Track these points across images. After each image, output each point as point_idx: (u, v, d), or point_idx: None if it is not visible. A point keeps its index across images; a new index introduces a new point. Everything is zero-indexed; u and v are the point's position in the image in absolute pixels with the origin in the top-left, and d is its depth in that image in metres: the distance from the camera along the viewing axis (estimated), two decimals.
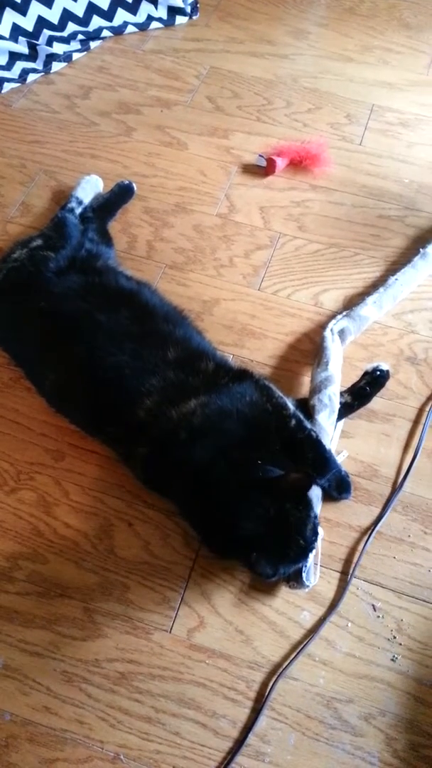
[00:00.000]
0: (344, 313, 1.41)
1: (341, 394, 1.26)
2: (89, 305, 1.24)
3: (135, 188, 1.64)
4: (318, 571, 1.11)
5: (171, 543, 1.18)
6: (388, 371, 1.30)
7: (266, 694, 1.04)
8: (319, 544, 1.11)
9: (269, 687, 1.05)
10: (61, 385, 1.24)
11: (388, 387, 1.35)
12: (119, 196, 1.62)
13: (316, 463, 1.15)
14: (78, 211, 1.52)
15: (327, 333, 1.35)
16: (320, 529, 1.12)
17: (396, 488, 1.24)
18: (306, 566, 1.07)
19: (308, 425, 1.16)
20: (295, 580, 1.08)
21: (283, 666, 1.07)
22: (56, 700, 1.04)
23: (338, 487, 1.19)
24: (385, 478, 1.25)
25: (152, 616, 1.11)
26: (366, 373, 1.30)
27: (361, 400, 1.29)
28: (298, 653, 1.08)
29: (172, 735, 1.02)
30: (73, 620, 1.11)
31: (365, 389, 1.28)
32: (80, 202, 1.54)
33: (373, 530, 1.19)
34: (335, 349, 1.32)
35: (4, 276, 1.34)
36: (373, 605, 1.13)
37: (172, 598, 1.13)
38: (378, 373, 1.29)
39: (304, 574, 1.07)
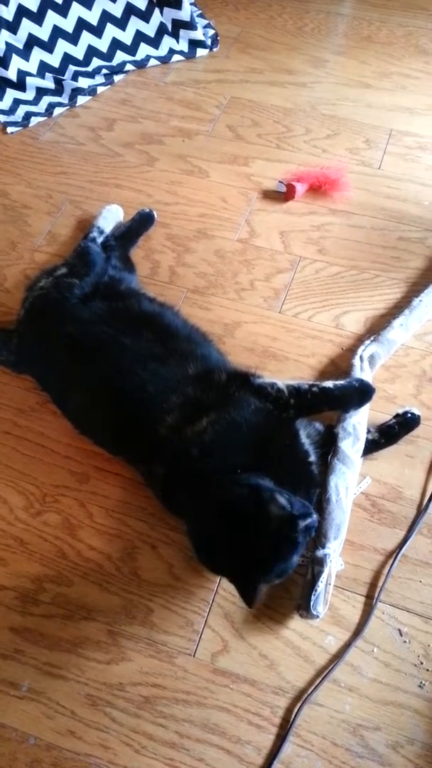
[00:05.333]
0: (372, 338, 1.40)
1: (368, 430, 1.26)
2: (114, 330, 1.26)
3: (156, 216, 1.67)
4: (328, 599, 1.08)
5: (194, 566, 1.18)
6: (419, 417, 1.30)
7: (291, 720, 1.03)
8: (333, 572, 1.10)
9: (294, 713, 1.04)
10: (86, 407, 1.26)
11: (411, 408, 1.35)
12: (140, 224, 1.65)
13: (335, 405, 1.21)
14: (99, 240, 1.55)
15: (356, 361, 1.34)
16: (334, 561, 1.10)
17: (421, 510, 1.22)
18: (315, 593, 1.06)
19: (306, 385, 1.18)
20: (305, 609, 1.06)
21: (308, 692, 1.05)
22: (80, 724, 1.04)
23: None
24: (409, 500, 1.24)
25: (176, 640, 1.11)
26: (397, 415, 1.30)
27: (388, 439, 1.28)
28: (323, 679, 1.06)
29: (197, 761, 1.01)
30: (97, 643, 1.11)
31: (393, 428, 1.28)
32: (101, 232, 1.58)
33: (398, 553, 1.17)
34: (365, 378, 1.31)
35: (30, 304, 1.38)
36: (399, 630, 1.11)
37: (196, 621, 1.13)
38: (409, 415, 1.29)
39: (311, 603, 1.05)
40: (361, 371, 1.33)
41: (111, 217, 1.64)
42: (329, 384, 1.20)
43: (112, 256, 1.51)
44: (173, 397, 1.16)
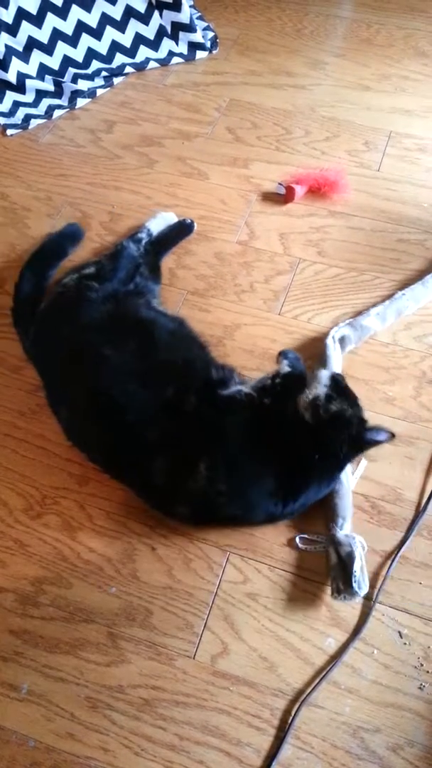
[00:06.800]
0: (347, 322, 1.45)
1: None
2: (104, 339, 1.23)
3: (195, 226, 1.66)
4: (366, 579, 1.10)
5: (194, 568, 1.18)
6: None
7: (289, 721, 1.03)
8: (363, 553, 1.12)
9: (292, 714, 1.04)
10: (73, 419, 1.25)
11: (410, 410, 1.35)
12: (178, 233, 1.64)
13: (300, 383, 1.20)
14: (145, 241, 1.54)
15: (329, 341, 1.39)
16: (363, 541, 1.14)
17: (420, 512, 1.23)
18: (355, 575, 1.07)
19: (269, 380, 1.19)
20: (346, 591, 1.08)
21: (306, 693, 1.05)
22: (80, 726, 1.04)
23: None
24: (408, 501, 1.24)
25: (176, 642, 1.11)
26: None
27: None
28: (321, 680, 1.06)
29: (197, 763, 1.01)
30: (97, 645, 1.11)
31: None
32: (150, 234, 1.57)
33: (396, 554, 1.17)
34: (336, 357, 1.37)
35: (51, 299, 1.37)
36: (399, 632, 1.11)
37: (196, 623, 1.13)
38: None
39: (355, 584, 1.07)
40: (334, 350, 1.38)
41: (164, 223, 1.63)
42: (285, 368, 1.22)
43: (143, 262, 1.48)
44: (154, 432, 1.13)
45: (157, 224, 1.62)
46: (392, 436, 1.15)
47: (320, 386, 1.17)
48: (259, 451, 1.11)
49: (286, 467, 1.11)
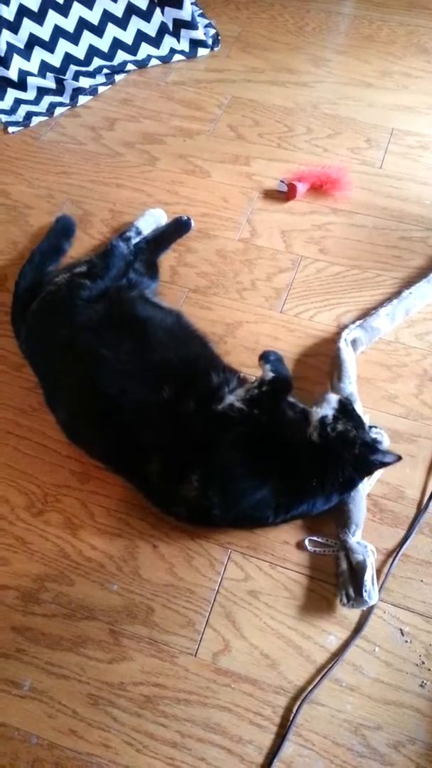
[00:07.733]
0: (357, 324, 1.43)
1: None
2: (100, 339, 1.22)
3: (193, 224, 1.66)
4: (377, 588, 1.10)
5: (195, 565, 1.18)
6: None
7: (291, 719, 1.03)
8: (373, 562, 1.12)
9: (294, 712, 1.04)
10: (71, 418, 1.25)
11: (412, 408, 1.35)
12: (175, 230, 1.64)
13: (285, 386, 1.20)
14: (134, 240, 1.54)
15: (341, 344, 1.38)
16: (374, 549, 1.14)
17: (422, 509, 1.22)
18: (366, 585, 1.07)
19: (256, 390, 1.17)
20: (356, 600, 1.08)
21: (308, 690, 1.06)
22: (82, 723, 1.05)
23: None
24: (410, 499, 1.24)
25: (177, 639, 1.11)
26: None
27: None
28: (322, 677, 1.06)
29: (198, 761, 1.01)
30: (99, 643, 1.11)
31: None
32: (139, 233, 1.57)
33: (398, 552, 1.17)
34: (350, 361, 1.35)
35: (42, 297, 1.36)
36: (400, 629, 1.11)
37: (197, 621, 1.13)
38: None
39: (365, 593, 1.06)
40: (347, 353, 1.37)
41: (152, 220, 1.63)
42: (269, 373, 1.20)
43: (137, 259, 1.48)
44: (150, 433, 1.13)
45: (146, 222, 1.62)
46: (399, 458, 1.13)
47: (329, 408, 1.15)
48: (253, 465, 1.11)
49: (282, 482, 1.10)
